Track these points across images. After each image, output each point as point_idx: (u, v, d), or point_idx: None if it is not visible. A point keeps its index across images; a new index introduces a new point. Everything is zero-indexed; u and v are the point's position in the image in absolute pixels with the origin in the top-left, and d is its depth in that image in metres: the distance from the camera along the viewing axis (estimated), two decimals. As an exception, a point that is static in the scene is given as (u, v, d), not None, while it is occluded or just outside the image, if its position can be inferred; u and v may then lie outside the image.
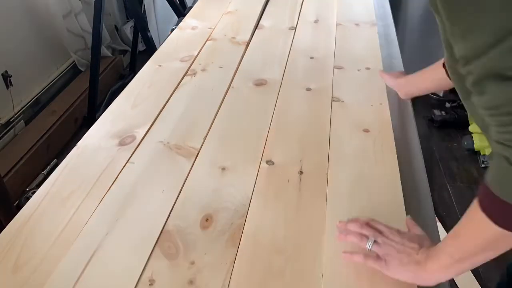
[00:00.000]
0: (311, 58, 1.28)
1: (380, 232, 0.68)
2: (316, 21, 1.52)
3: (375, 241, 0.67)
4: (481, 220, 0.53)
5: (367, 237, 0.68)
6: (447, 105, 2.42)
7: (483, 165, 2.06)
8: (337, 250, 0.69)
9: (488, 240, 0.54)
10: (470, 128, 2.15)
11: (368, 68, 1.22)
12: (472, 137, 2.14)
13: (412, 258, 0.64)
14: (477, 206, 0.54)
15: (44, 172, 2.01)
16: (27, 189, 1.90)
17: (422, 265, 0.62)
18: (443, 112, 2.37)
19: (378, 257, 0.66)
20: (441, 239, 0.64)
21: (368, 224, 0.70)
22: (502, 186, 0.50)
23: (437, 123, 2.35)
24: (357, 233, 0.69)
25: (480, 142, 2.10)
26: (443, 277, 0.61)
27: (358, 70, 1.22)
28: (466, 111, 2.37)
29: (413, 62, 1.53)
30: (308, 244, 0.70)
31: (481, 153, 2.10)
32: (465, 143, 2.16)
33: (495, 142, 0.50)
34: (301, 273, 0.66)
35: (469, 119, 2.20)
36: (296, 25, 1.49)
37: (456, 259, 0.59)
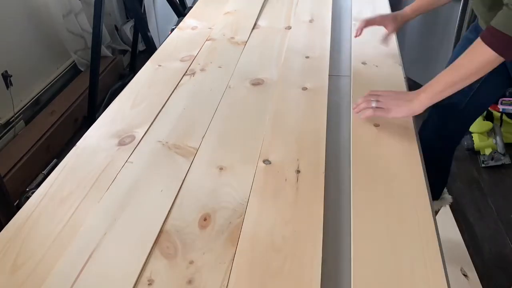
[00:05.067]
0: (307, 57, 1.29)
1: (380, 95, 0.96)
2: (311, 21, 1.52)
3: (377, 100, 0.94)
4: (482, 50, 0.84)
5: (372, 101, 0.94)
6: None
7: (483, 165, 2.06)
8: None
9: (482, 63, 0.85)
10: (470, 128, 2.15)
11: (364, 63, 1.23)
12: (472, 137, 2.14)
13: (405, 99, 0.93)
14: (480, 42, 0.85)
15: (44, 172, 2.01)
16: (27, 189, 1.91)
17: (415, 99, 0.91)
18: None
19: (381, 109, 0.93)
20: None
21: (370, 94, 0.97)
22: (504, 24, 0.81)
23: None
24: (364, 101, 0.96)
25: (480, 142, 2.10)
26: (429, 103, 0.91)
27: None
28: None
29: (413, 62, 1.53)
30: (306, 242, 0.70)
31: (481, 153, 2.10)
32: (465, 143, 2.16)
33: None
34: (299, 271, 0.66)
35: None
36: (292, 25, 1.50)
37: (450, 85, 0.90)
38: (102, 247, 0.71)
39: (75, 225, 0.75)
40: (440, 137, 1.32)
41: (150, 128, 1.00)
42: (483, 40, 0.85)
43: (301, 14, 1.58)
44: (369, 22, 1.30)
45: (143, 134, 0.98)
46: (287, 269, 0.66)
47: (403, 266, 0.66)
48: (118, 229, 0.74)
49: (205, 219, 0.76)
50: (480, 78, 1.02)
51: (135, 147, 0.94)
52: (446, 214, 1.72)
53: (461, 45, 1.30)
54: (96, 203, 0.79)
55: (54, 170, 0.88)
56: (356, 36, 1.32)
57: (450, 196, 1.54)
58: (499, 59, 0.85)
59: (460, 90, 1.20)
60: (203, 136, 0.97)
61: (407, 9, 1.28)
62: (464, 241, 1.62)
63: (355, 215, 0.75)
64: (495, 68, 1.10)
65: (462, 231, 1.66)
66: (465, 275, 1.50)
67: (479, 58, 0.86)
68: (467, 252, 1.58)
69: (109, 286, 0.64)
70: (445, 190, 1.55)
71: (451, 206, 1.76)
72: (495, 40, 0.83)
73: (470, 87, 1.15)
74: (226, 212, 0.77)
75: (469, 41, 1.22)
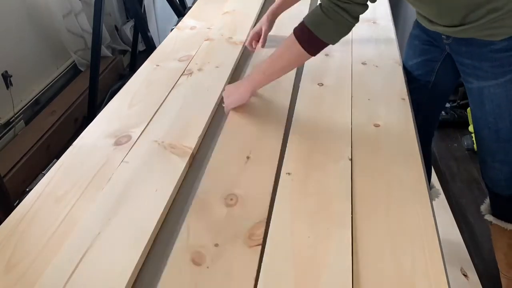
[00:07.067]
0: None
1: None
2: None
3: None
4: (292, 44, 0.88)
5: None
6: (447, 105, 2.41)
7: (483, 165, 2.05)
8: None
9: (294, 56, 0.91)
10: (470, 128, 2.14)
11: (364, 63, 1.24)
12: (472, 137, 2.13)
13: (236, 88, 1.02)
14: (293, 36, 0.89)
15: (44, 172, 2.01)
16: (27, 189, 1.91)
17: (241, 87, 1.00)
18: (443, 112, 2.36)
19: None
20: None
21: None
22: (313, 22, 0.86)
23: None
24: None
25: (480, 142, 2.09)
26: (252, 90, 1.00)
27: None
28: (466, 111, 2.32)
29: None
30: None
31: (481, 153, 2.10)
32: (465, 143, 2.15)
33: None
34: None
35: (469, 120, 2.19)
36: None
37: (266, 74, 0.97)
38: (96, 246, 0.70)
39: (70, 224, 0.75)
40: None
41: (147, 128, 1.00)
42: (294, 34, 0.89)
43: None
44: (257, 34, 1.31)
45: (140, 134, 0.97)
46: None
47: (403, 266, 0.66)
48: (113, 228, 0.74)
49: (200, 219, 0.75)
50: (432, 71, 1.04)
51: (131, 147, 0.93)
52: (446, 214, 1.72)
53: (408, 41, 1.27)
54: (91, 203, 0.79)
55: (50, 170, 0.88)
56: (252, 49, 1.32)
57: (438, 189, 1.55)
58: (307, 55, 0.88)
59: (417, 86, 1.20)
60: (200, 136, 0.96)
61: (274, 8, 1.30)
62: (464, 241, 1.61)
63: (355, 215, 0.75)
64: (444, 58, 1.08)
65: (462, 231, 1.65)
66: (465, 275, 1.49)
67: (290, 51, 0.91)
68: (467, 252, 1.57)
69: (103, 286, 0.64)
70: (433, 183, 1.54)
71: (451, 206, 1.75)
72: (302, 36, 0.87)
73: (426, 80, 1.15)
74: (221, 212, 0.76)
75: (415, 37, 1.21)
